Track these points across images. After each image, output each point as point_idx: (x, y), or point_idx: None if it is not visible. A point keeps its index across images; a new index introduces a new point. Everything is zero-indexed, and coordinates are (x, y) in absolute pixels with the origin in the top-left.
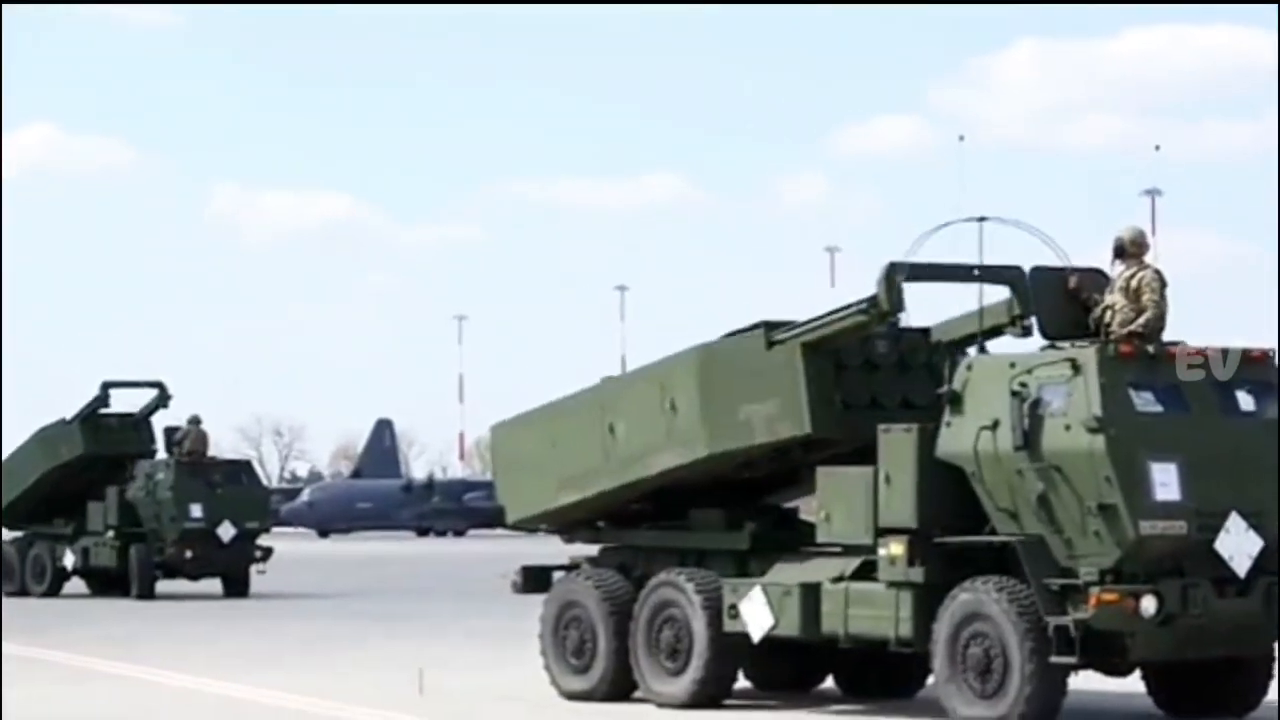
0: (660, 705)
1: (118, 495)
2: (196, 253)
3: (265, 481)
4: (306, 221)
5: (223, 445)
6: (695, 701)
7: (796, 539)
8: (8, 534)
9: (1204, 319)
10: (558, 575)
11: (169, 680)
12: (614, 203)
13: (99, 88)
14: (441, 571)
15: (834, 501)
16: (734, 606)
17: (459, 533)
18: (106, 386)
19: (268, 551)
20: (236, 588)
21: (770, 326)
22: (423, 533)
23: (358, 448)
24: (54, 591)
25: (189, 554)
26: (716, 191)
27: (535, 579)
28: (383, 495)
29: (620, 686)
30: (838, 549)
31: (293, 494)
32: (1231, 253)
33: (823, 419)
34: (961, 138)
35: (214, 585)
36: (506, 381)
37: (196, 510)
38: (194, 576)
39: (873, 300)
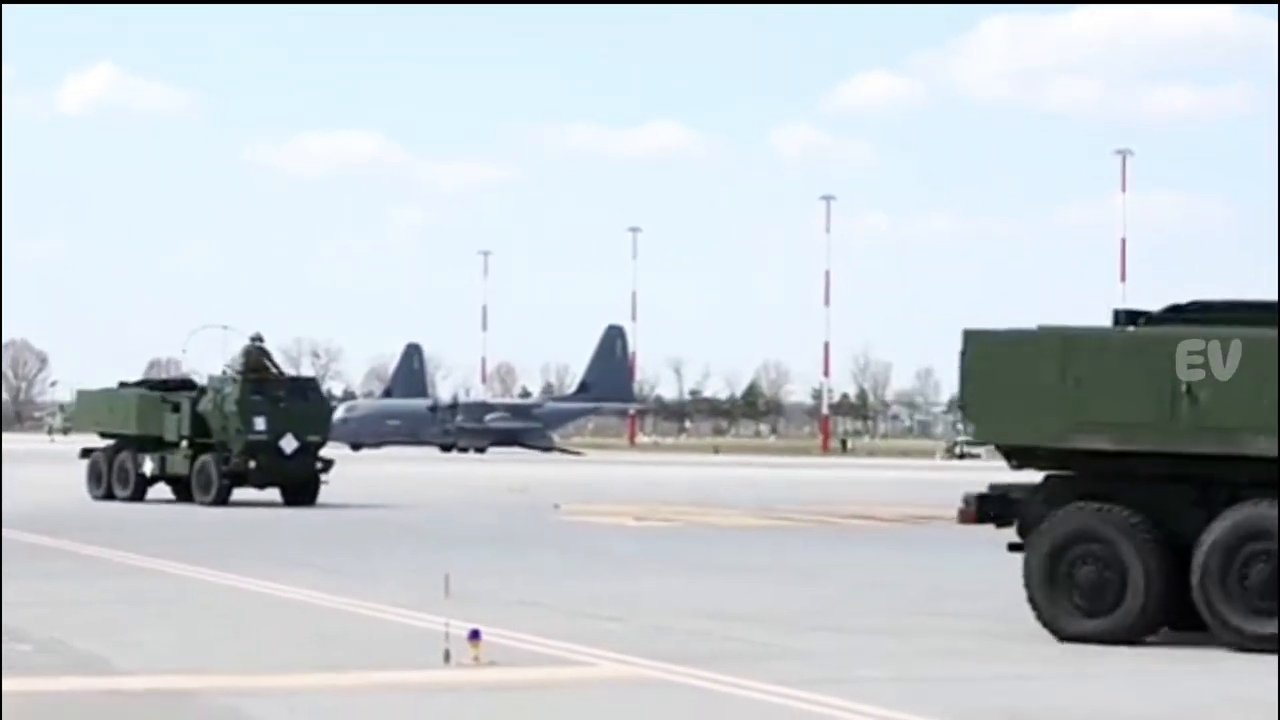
0: (1251, 649)
1: (190, 408)
2: (244, 188)
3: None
4: (345, 159)
5: None
6: None
7: None
8: (99, 443)
9: (1181, 275)
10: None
11: (210, 578)
12: (624, 148)
13: (157, 34)
14: (464, 489)
15: None
16: None
17: (480, 449)
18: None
19: (329, 463)
20: (303, 497)
21: None
22: (446, 449)
23: (389, 370)
24: (139, 496)
25: (253, 464)
26: (717, 139)
27: (995, 506)
28: (411, 414)
29: (1158, 625)
30: None
31: None
32: (1198, 210)
33: None
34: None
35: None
36: (526, 313)
37: (260, 423)
38: (259, 485)
39: None
